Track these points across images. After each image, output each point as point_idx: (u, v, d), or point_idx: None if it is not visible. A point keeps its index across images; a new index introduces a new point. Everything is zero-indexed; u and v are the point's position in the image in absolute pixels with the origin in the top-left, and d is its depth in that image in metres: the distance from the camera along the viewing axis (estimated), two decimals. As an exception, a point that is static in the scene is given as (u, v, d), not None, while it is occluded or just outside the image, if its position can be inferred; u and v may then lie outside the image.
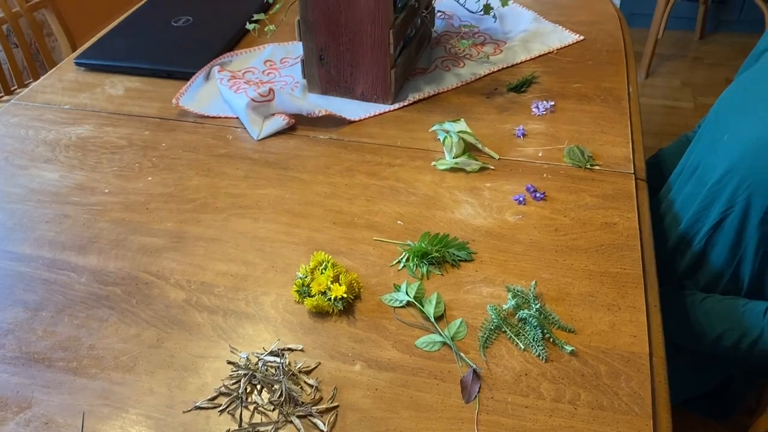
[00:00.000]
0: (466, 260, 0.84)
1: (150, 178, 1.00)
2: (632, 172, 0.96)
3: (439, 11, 1.40)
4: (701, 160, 0.96)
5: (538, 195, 0.92)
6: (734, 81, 1.02)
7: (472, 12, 1.28)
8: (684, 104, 2.71)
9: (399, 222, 0.90)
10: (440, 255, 0.83)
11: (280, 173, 1.00)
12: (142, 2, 1.51)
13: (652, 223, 0.89)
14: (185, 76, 1.22)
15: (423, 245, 0.84)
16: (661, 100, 2.75)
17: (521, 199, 0.92)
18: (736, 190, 0.86)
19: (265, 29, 1.12)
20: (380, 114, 1.12)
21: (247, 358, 0.72)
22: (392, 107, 1.13)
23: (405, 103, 1.14)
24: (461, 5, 1.25)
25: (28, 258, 0.87)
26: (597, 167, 0.97)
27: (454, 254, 0.84)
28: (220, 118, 1.13)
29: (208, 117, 1.13)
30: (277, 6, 1.14)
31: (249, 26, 1.14)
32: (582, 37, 1.31)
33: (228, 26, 1.36)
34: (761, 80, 0.93)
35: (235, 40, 1.34)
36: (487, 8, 1.19)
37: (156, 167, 1.02)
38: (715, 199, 0.89)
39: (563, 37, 1.32)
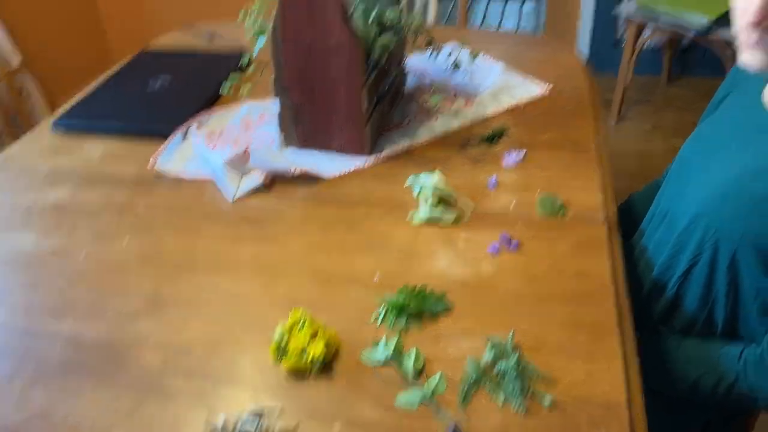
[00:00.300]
0: (444, 310, 0.84)
1: (127, 241, 1.00)
2: (604, 219, 0.98)
3: (410, 68, 1.44)
4: (669, 207, 0.98)
5: (512, 244, 0.94)
6: (696, 128, 1.05)
7: (443, 68, 1.32)
8: (655, 148, 2.78)
9: (377, 276, 0.90)
10: (418, 308, 0.84)
11: (257, 231, 1.00)
12: (121, 63, 1.53)
13: (626, 269, 0.90)
14: (163, 136, 1.23)
15: (401, 299, 0.84)
16: (632, 144, 2.82)
17: (496, 249, 0.93)
18: (704, 237, 0.87)
19: (240, 91, 1.15)
20: (356, 170, 1.14)
21: (225, 421, 0.71)
22: (368, 162, 1.15)
23: (380, 158, 1.16)
24: (432, 62, 1.29)
25: (2, 325, 0.86)
26: (569, 216, 0.99)
27: (431, 307, 0.84)
28: (197, 180, 1.14)
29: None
30: (253, 66, 1.17)
31: (223, 89, 1.17)
32: (551, 86, 1.35)
33: (206, 85, 1.38)
34: (721, 129, 0.97)
35: (213, 98, 1.36)
36: (456, 65, 1.23)
37: (133, 229, 1.02)
38: (684, 245, 0.91)
39: (532, 89, 1.36)
